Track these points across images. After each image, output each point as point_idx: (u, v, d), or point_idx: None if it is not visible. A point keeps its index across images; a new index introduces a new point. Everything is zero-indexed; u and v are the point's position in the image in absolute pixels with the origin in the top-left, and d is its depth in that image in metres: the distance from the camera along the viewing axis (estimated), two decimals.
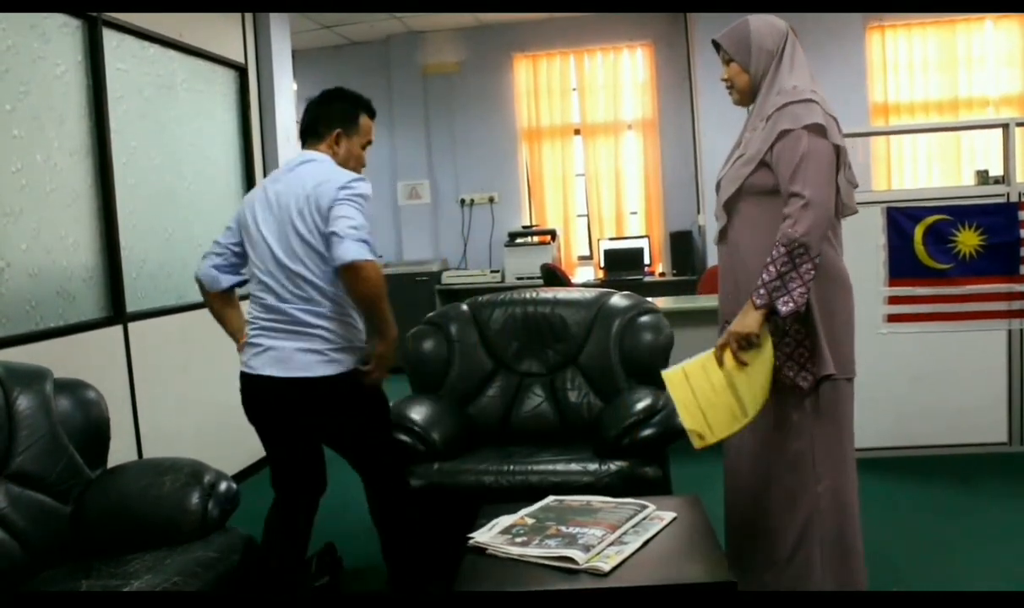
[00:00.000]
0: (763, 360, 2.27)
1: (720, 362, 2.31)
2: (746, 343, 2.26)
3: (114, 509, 2.48)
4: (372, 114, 2.81)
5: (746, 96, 2.46)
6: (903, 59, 7.35)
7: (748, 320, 2.25)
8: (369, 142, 2.80)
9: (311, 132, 2.74)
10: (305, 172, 2.60)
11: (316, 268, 2.52)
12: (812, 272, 2.20)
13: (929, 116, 7.34)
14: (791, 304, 2.20)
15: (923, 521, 3.56)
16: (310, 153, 2.69)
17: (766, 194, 2.33)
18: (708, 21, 6.94)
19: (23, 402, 2.50)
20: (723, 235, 2.49)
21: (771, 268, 2.22)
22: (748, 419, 2.27)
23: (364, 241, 2.43)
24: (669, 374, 2.39)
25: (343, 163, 2.69)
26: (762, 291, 2.22)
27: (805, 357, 2.33)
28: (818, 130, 2.25)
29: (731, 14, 2.53)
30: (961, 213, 4.23)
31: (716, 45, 2.49)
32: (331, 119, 2.71)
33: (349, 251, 2.40)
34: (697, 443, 2.32)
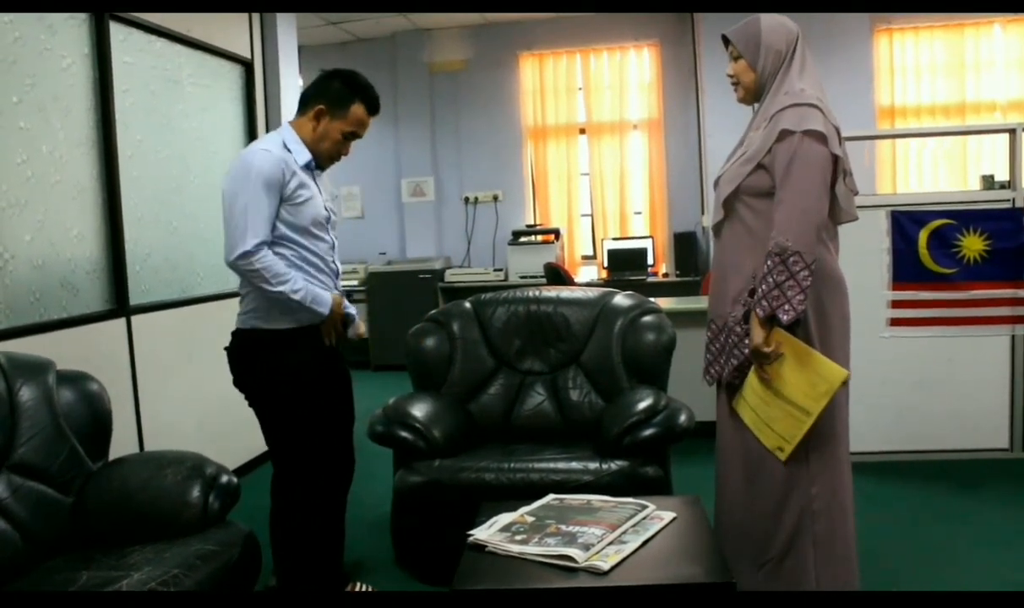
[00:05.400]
0: (792, 358, 2.28)
1: (761, 379, 2.34)
2: (762, 357, 2.29)
3: (115, 501, 2.49)
4: (372, 108, 2.77)
5: (751, 94, 2.46)
6: (910, 62, 7.33)
7: (754, 335, 2.29)
8: (355, 134, 2.78)
9: (301, 101, 2.80)
10: None
11: None
12: (809, 278, 2.21)
13: (936, 120, 7.33)
14: (792, 312, 2.22)
15: (924, 526, 3.56)
16: (283, 124, 2.79)
17: (761, 196, 2.34)
18: (714, 21, 6.92)
19: (26, 393, 2.50)
20: (718, 232, 2.50)
21: (769, 278, 2.23)
22: (812, 416, 2.27)
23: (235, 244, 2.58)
24: (736, 405, 2.45)
25: (316, 140, 2.74)
26: (763, 303, 2.24)
27: None
28: (817, 137, 2.25)
29: (737, 14, 2.52)
30: (966, 218, 4.23)
31: (725, 40, 2.49)
32: (322, 94, 2.74)
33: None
34: (782, 457, 2.35)
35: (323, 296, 2.71)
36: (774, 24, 2.40)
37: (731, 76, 2.49)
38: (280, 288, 2.60)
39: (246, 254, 2.56)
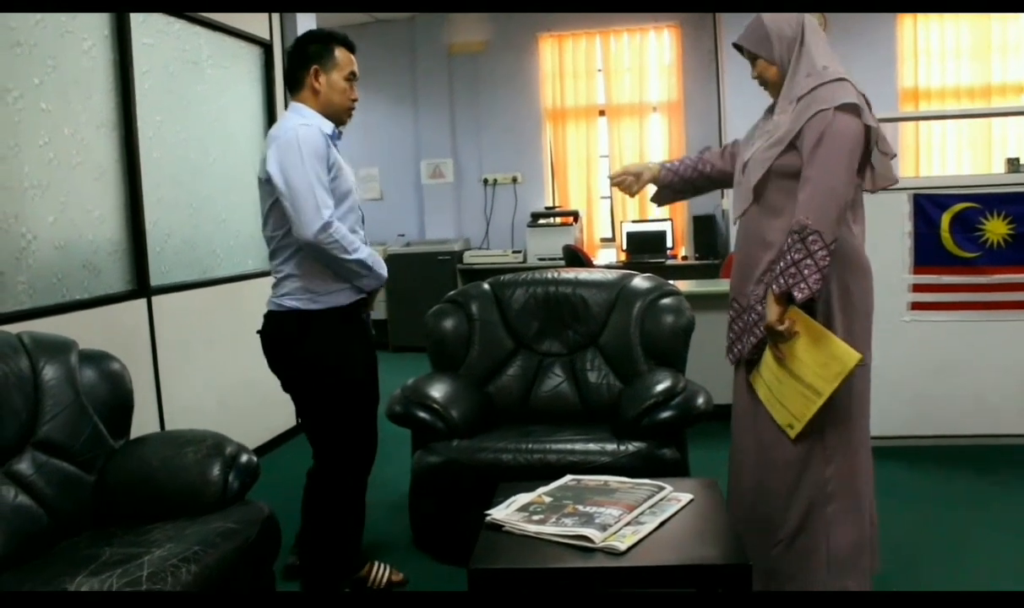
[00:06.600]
0: (806, 338, 2.28)
1: (775, 357, 2.34)
2: (776, 335, 2.29)
3: (137, 479, 2.51)
4: (349, 46, 2.80)
5: (779, 88, 2.44)
6: (935, 44, 7.22)
7: (769, 312, 2.29)
8: (352, 74, 2.79)
9: (291, 81, 2.81)
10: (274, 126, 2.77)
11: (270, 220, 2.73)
12: (827, 258, 2.20)
13: (960, 102, 7.22)
14: (807, 290, 2.22)
15: (943, 511, 3.54)
16: (291, 105, 2.79)
17: (792, 177, 2.32)
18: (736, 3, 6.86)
19: (49, 372, 2.53)
20: (744, 215, 2.49)
21: (787, 256, 2.23)
22: (823, 396, 2.27)
23: (312, 219, 2.53)
24: (753, 380, 2.46)
25: (327, 99, 2.75)
26: (780, 280, 2.25)
27: None
28: (852, 109, 2.25)
29: (750, 15, 2.50)
30: (989, 201, 4.17)
31: (738, 49, 2.49)
32: (305, 60, 2.75)
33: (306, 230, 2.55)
34: (791, 434, 2.36)
35: (380, 260, 2.74)
36: (776, 14, 2.41)
37: (757, 78, 2.49)
38: (357, 256, 2.61)
39: (326, 226, 2.53)
